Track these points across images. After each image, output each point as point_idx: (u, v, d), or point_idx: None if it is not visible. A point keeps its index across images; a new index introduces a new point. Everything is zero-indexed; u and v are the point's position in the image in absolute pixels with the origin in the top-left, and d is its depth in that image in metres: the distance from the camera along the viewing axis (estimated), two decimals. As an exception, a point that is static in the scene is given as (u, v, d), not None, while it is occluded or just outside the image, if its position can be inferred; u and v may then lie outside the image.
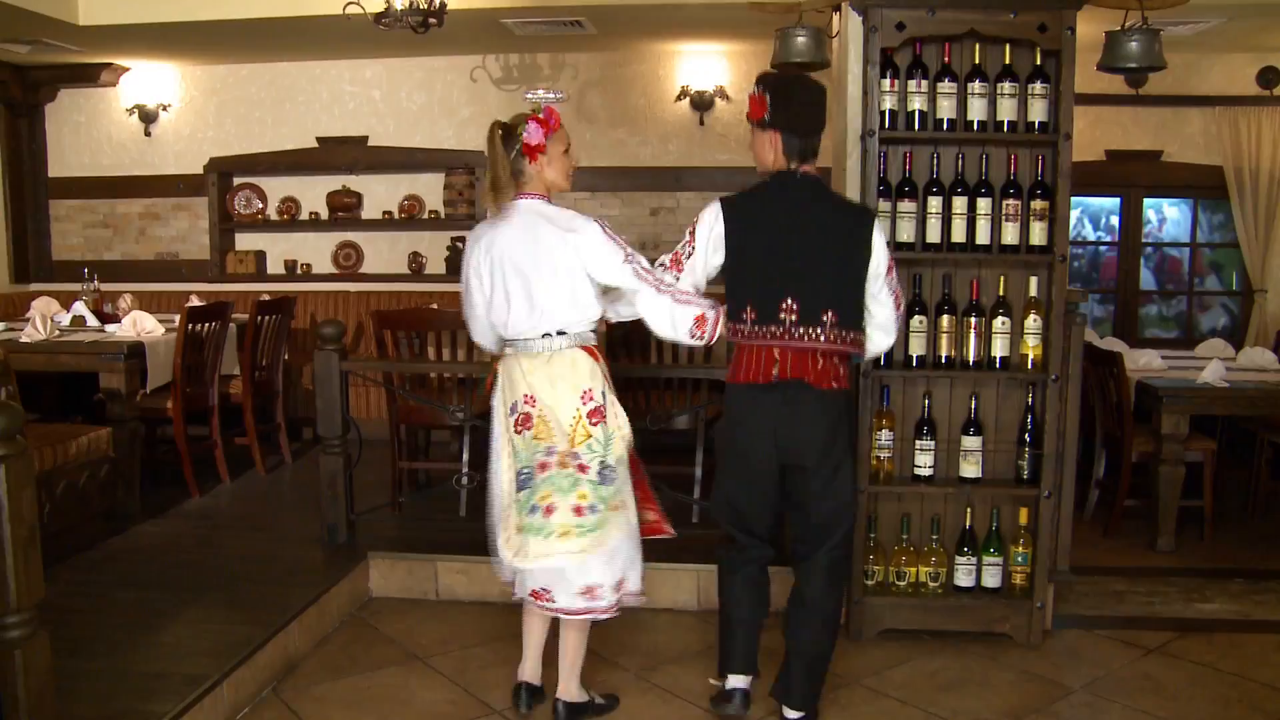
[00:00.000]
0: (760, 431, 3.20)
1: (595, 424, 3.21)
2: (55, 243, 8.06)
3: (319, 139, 7.66)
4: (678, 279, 3.24)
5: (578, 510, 3.18)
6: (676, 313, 3.21)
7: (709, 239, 3.23)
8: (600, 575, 3.21)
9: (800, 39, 4.31)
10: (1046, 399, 3.90)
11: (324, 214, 7.71)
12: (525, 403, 3.22)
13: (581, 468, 3.20)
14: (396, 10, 5.33)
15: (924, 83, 3.84)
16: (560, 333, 3.22)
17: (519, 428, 3.24)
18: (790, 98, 3.20)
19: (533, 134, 3.27)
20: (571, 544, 3.17)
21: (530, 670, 3.47)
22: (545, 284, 3.20)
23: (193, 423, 5.64)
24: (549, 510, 3.19)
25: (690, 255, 3.26)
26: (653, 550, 4.48)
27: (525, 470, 3.23)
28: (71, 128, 7.95)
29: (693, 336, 3.24)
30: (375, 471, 5.20)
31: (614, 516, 3.21)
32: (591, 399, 3.22)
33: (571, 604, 3.23)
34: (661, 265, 3.29)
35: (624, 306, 3.36)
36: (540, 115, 3.30)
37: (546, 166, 3.31)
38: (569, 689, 3.36)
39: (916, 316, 3.90)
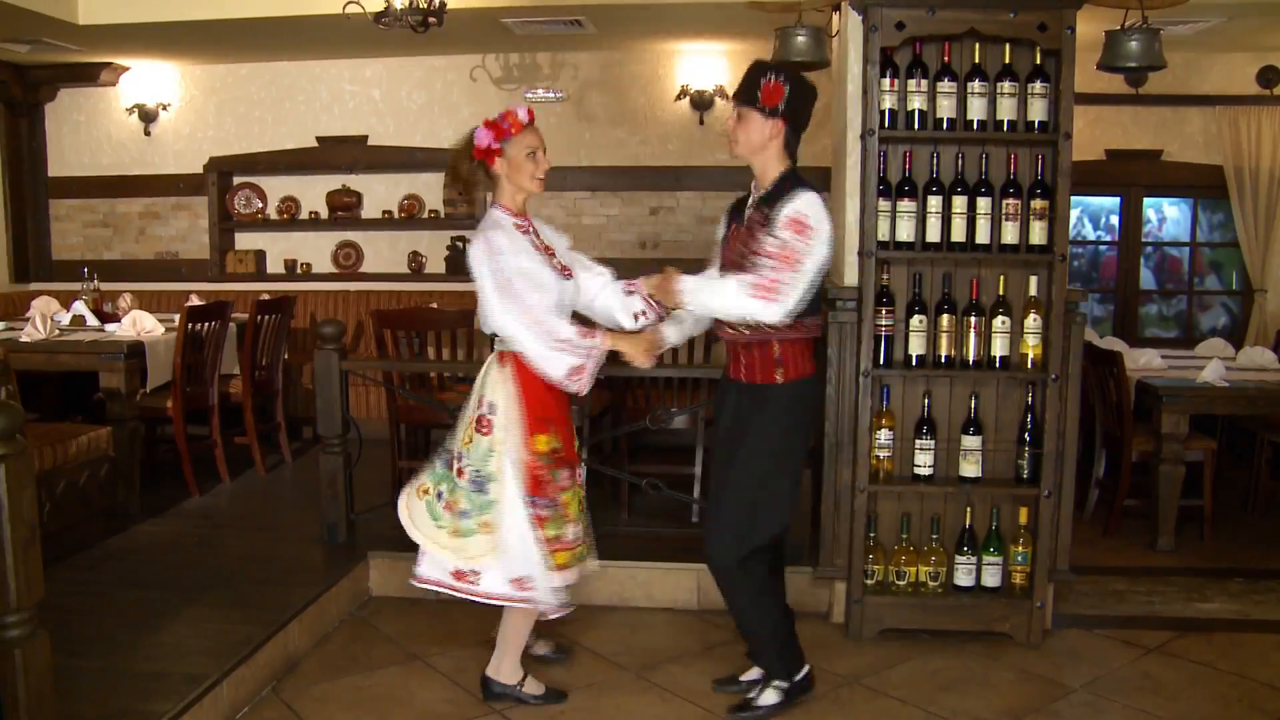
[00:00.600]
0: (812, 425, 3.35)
1: (479, 432, 3.33)
2: (55, 242, 8.07)
3: (319, 138, 7.67)
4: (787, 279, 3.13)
5: (448, 506, 3.36)
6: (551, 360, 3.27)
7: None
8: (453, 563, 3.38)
9: (800, 38, 4.31)
10: (1046, 398, 3.90)
11: (324, 213, 7.71)
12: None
13: (460, 471, 3.35)
14: (396, 9, 5.33)
15: (924, 82, 3.84)
16: (494, 336, 3.36)
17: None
18: (806, 97, 3.25)
19: (480, 137, 3.32)
20: (441, 538, 3.38)
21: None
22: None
23: (192, 422, 5.64)
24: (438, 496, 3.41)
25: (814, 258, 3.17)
26: (653, 550, 4.50)
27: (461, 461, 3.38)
28: (71, 127, 7.95)
29: (570, 380, 3.29)
30: (375, 471, 5.20)
31: (482, 533, 3.32)
32: (482, 407, 3.34)
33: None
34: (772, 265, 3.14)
35: (677, 326, 3.52)
36: (494, 118, 3.32)
37: (509, 172, 3.34)
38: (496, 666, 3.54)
39: (916, 316, 3.90)
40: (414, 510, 3.43)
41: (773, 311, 3.13)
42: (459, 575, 3.37)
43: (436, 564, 3.41)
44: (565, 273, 3.42)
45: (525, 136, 3.32)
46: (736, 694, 3.55)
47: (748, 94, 3.23)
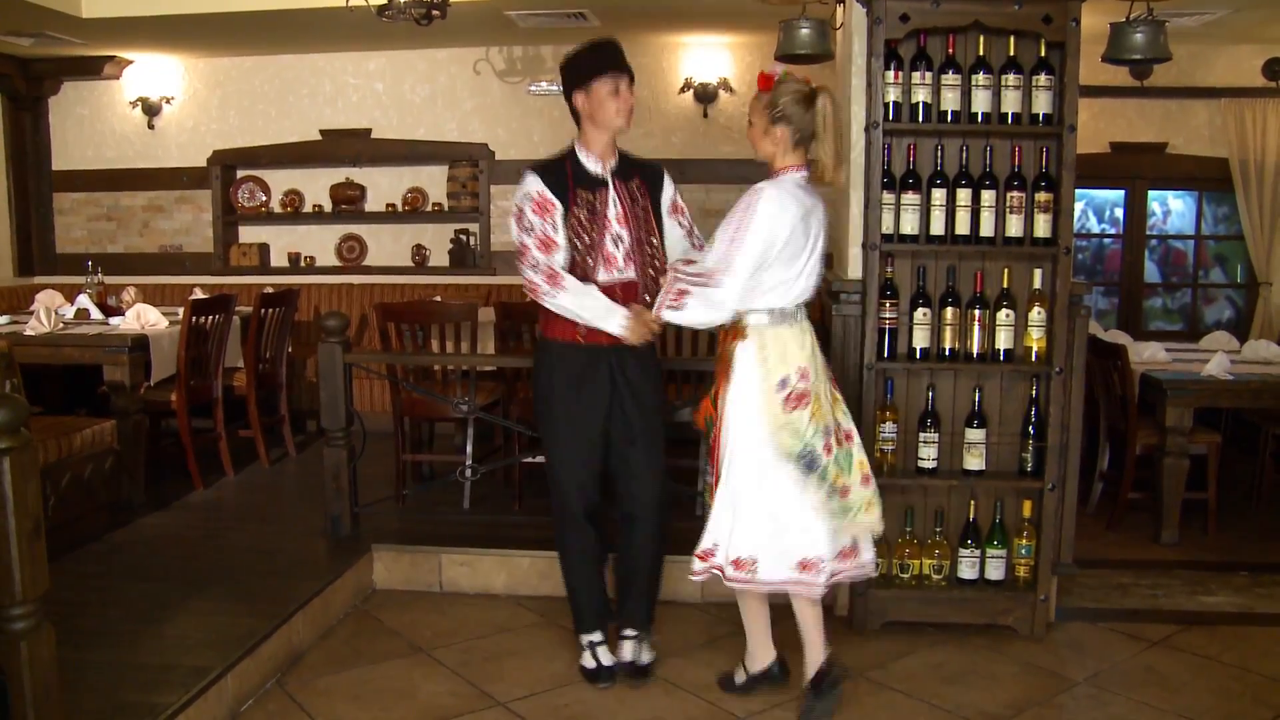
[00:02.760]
0: None
1: (799, 408, 3.20)
2: (59, 236, 8.07)
3: (322, 131, 7.66)
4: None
5: (865, 479, 3.32)
6: None
7: None
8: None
9: (804, 31, 4.29)
10: (1050, 392, 3.89)
11: (327, 206, 7.70)
12: (800, 378, 3.20)
13: (848, 435, 3.31)
14: (399, 2, 5.32)
15: (928, 74, 3.83)
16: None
17: (792, 404, 3.19)
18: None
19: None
20: (875, 513, 3.32)
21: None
22: (818, 255, 3.27)
23: (197, 415, 5.64)
24: (844, 492, 3.25)
25: None
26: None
27: (807, 452, 3.19)
28: (75, 120, 7.95)
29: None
30: (379, 464, 5.21)
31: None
32: (774, 379, 3.21)
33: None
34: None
35: None
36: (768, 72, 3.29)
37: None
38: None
39: (920, 309, 3.89)
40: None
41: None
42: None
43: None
44: None
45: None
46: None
47: (623, 65, 3.51)
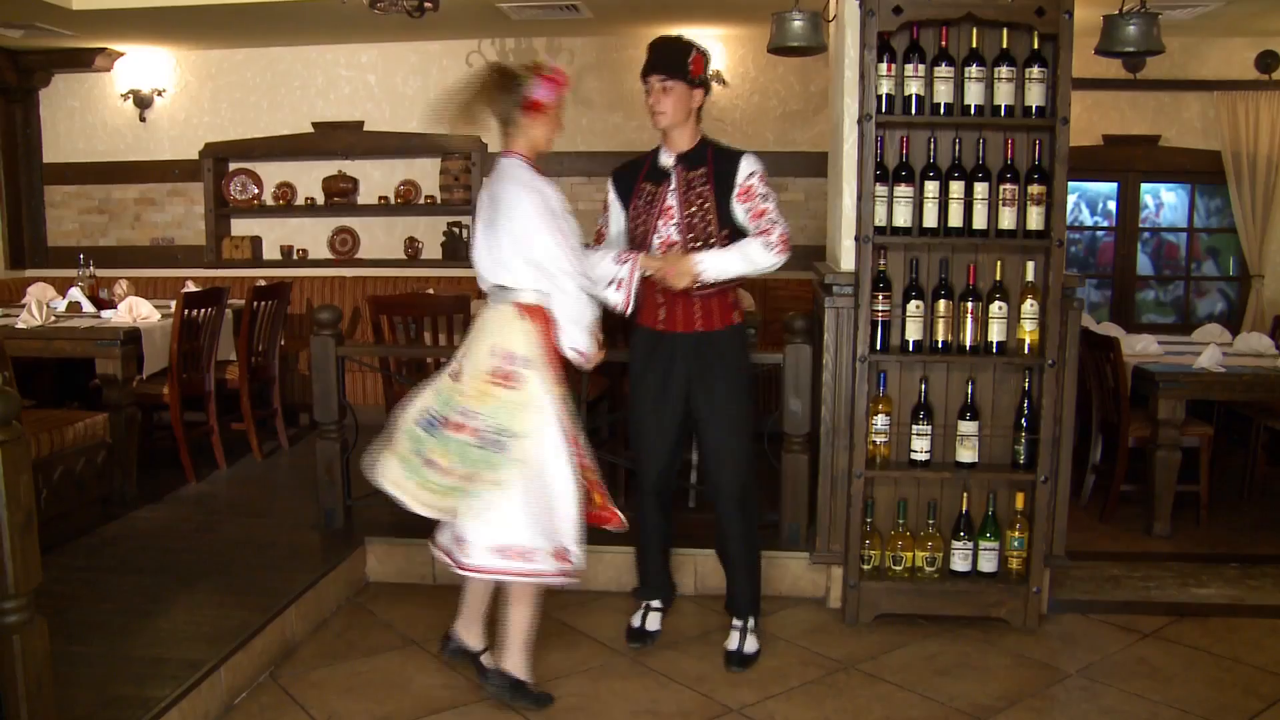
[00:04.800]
0: None
1: (501, 387, 3.16)
2: (50, 228, 8.04)
3: (314, 124, 7.63)
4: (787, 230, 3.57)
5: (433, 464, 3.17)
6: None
7: None
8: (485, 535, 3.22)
9: (797, 23, 4.30)
10: (1043, 384, 3.90)
11: (320, 199, 7.68)
12: (461, 353, 3.32)
13: (458, 426, 3.15)
14: (392, -6, 5.31)
15: (921, 67, 3.83)
16: (502, 288, 3.28)
17: (453, 376, 3.27)
18: (708, 64, 3.67)
19: (545, 93, 3.29)
20: (425, 495, 3.17)
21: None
22: (498, 238, 3.24)
23: (189, 408, 5.63)
24: (429, 463, 3.16)
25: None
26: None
27: (435, 415, 3.19)
28: (66, 113, 7.91)
29: (614, 292, 3.51)
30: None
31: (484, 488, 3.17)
32: (497, 359, 3.18)
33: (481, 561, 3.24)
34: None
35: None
36: (549, 73, 3.30)
37: (539, 125, 3.30)
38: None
39: (913, 301, 3.89)
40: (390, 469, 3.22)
41: (785, 259, 3.53)
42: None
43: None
44: None
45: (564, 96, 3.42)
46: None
47: (675, 66, 3.53)
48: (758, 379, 4.30)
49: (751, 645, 3.75)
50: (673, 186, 3.60)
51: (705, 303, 3.61)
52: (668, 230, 3.58)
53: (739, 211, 3.55)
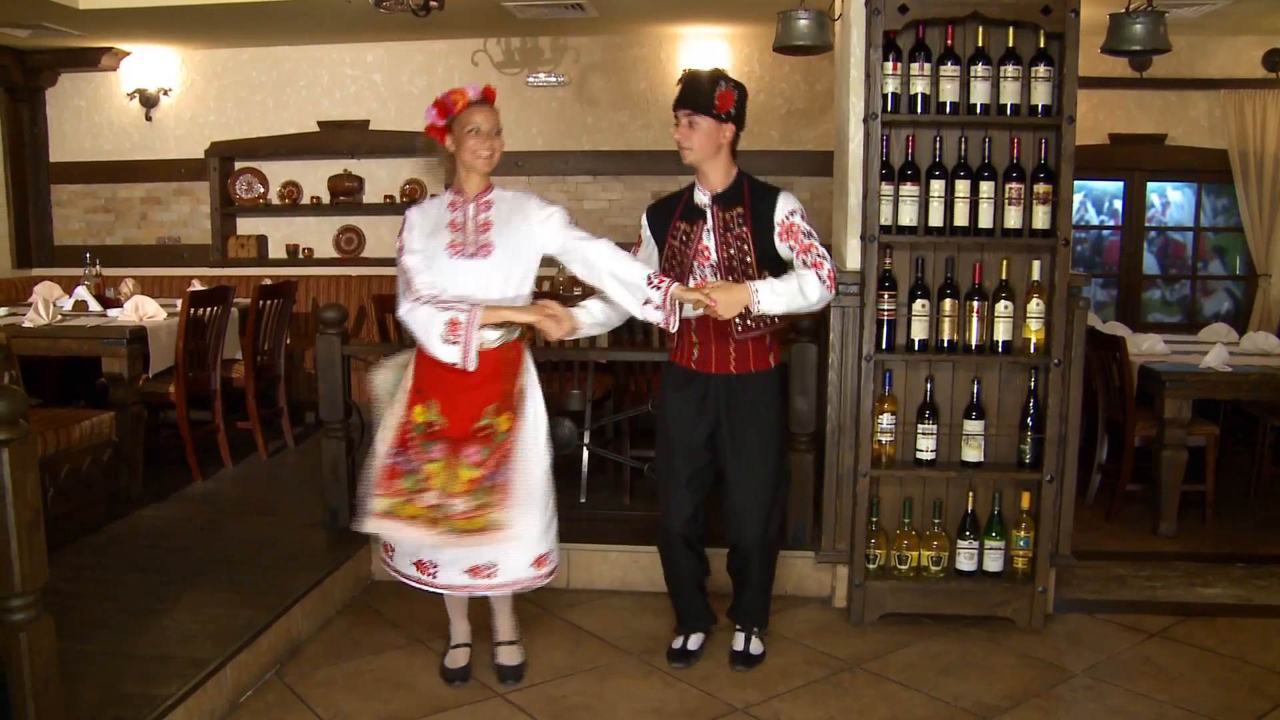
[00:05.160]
0: None
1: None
2: (57, 227, 8.07)
3: (320, 123, 7.65)
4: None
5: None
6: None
7: None
8: None
9: (802, 22, 4.28)
10: (1049, 383, 3.89)
11: (325, 198, 7.70)
12: None
13: None
14: (397, -7, 5.31)
15: (927, 65, 3.82)
16: None
17: None
18: (745, 100, 3.47)
19: (427, 114, 3.37)
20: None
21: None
22: None
23: (195, 407, 5.64)
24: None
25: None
26: (655, 534, 4.50)
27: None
28: (72, 112, 7.93)
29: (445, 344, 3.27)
30: (377, 456, 5.20)
31: None
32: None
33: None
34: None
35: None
36: (442, 95, 3.35)
37: (455, 149, 3.35)
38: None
39: (919, 300, 3.89)
40: None
41: (833, 295, 3.45)
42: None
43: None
44: (476, 252, 3.33)
45: (471, 114, 3.32)
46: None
47: (700, 101, 3.38)
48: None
49: (757, 646, 3.72)
50: (708, 226, 3.46)
51: (741, 345, 3.47)
52: (703, 272, 3.44)
53: (782, 250, 3.42)
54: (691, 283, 3.42)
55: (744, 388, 3.49)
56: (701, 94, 3.38)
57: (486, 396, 3.32)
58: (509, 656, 3.62)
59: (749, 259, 3.41)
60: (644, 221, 3.67)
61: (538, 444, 3.39)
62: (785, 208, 3.43)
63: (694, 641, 3.75)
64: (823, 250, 3.40)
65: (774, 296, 3.32)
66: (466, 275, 3.31)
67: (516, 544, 3.31)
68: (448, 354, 3.21)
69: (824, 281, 3.35)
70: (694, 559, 3.72)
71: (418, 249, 3.32)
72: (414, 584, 3.47)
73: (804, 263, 3.38)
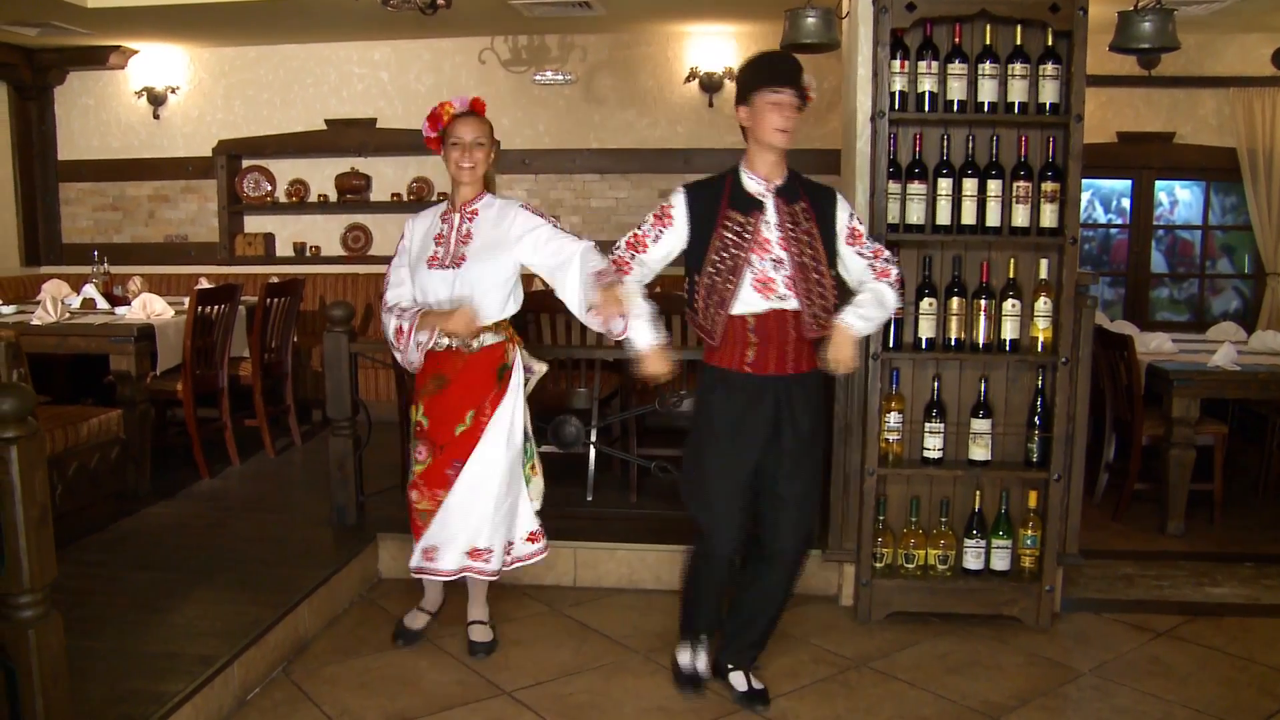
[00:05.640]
0: None
1: None
2: (65, 225, 8.09)
3: (327, 121, 7.66)
4: None
5: None
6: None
7: None
8: None
9: (810, 20, 4.28)
10: (1056, 382, 3.89)
11: (332, 196, 7.70)
12: None
13: None
14: (404, -8, 5.32)
15: (934, 64, 3.82)
16: None
17: None
18: None
19: (424, 129, 3.65)
20: None
21: None
22: None
23: (202, 405, 5.65)
24: None
25: None
26: (662, 532, 4.51)
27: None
28: (80, 110, 7.95)
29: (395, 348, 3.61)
30: (384, 453, 5.21)
31: None
32: None
33: None
34: None
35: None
36: (434, 108, 3.58)
37: (445, 161, 3.61)
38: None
39: (926, 299, 3.88)
40: None
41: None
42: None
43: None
44: (452, 263, 3.52)
45: (454, 127, 3.53)
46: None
47: (796, 84, 3.14)
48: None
49: (759, 681, 3.47)
50: (768, 218, 3.18)
51: (800, 342, 3.22)
52: (763, 265, 3.15)
53: (846, 253, 3.28)
54: (750, 277, 3.15)
55: (801, 387, 3.26)
56: (795, 76, 3.14)
57: (466, 403, 3.55)
58: (482, 634, 3.80)
59: (820, 260, 3.20)
60: (681, 203, 3.26)
61: (511, 440, 3.60)
62: (846, 209, 3.29)
63: (703, 661, 3.50)
64: (888, 253, 3.35)
65: (867, 324, 3.26)
66: (439, 285, 3.52)
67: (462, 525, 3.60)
68: (399, 357, 3.59)
69: (894, 288, 3.31)
70: (731, 572, 3.41)
71: (404, 264, 3.63)
72: (416, 573, 3.76)
73: (874, 269, 3.29)
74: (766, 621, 3.47)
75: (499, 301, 3.52)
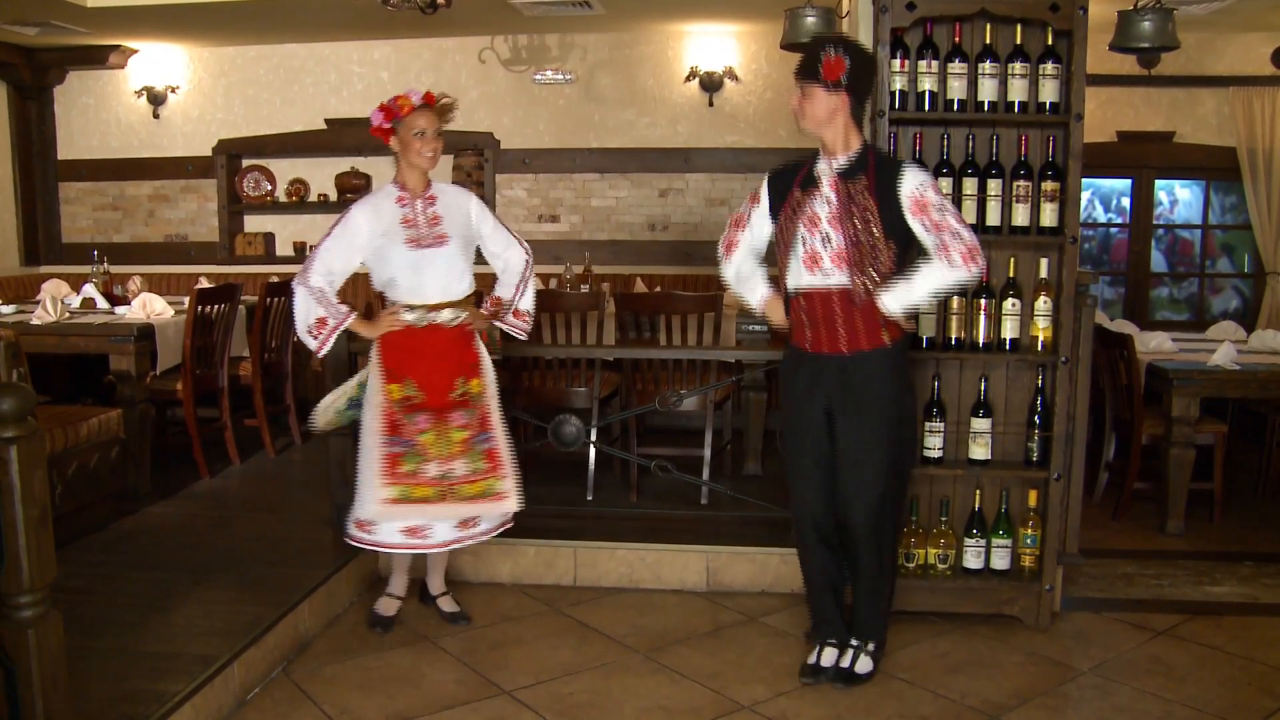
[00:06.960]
0: None
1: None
2: (65, 225, 8.09)
3: (327, 120, 7.66)
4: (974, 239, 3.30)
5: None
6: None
7: None
8: None
9: (810, 19, 4.29)
10: (1056, 381, 3.89)
11: (333, 195, 7.70)
12: None
13: None
14: (404, -9, 5.32)
15: (934, 63, 3.81)
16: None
17: None
18: (868, 68, 3.36)
19: (373, 117, 3.77)
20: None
21: None
22: None
23: (202, 405, 5.65)
24: None
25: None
26: (662, 532, 4.51)
27: None
28: (80, 110, 7.96)
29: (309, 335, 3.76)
30: (384, 453, 5.20)
31: None
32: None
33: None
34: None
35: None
36: (388, 100, 3.73)
37: (400, 149, 3.75)
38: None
39: (926, 298, 3.88)
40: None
41: (978, 270, 3.27)
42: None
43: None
44: (433, 242, 3.73)
45: (414, 118, 3.74)
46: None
47: (809, 70, 3.27)
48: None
49: (865, 664, 3.53)
50: (822, 194, 3.31)
51: (850, 323, 3.31)
52: (812, 241, 3.30)
53: (915, 226, 3.27)
54: (801, 251, 3.33)
55: (856, 367, 3.33)
56: (810, 62, 3.26)
57: (453, 369, 3.77)
58: (451, 604, 4.05)
59: (875, 231, 3.24)
60: (764, 187, 3.50)
61: (500, 405, 3.87)
62: (914, 180, 3.26)
63: (827, 657, 3.55)
64: (957, 225, 3.24)
65: (895, 301, 3.27)
66: (428, 264, 3.72)
67: (511, 502, 3.81)
68: (307, 341, 3.73)
69: (955, 266, 3.22)
70: (826, 557, 3.54)
71: (360, 244, 3.75)
72: (400, 550, 3.87)
73: (935, 245, 3.25)
74: (866, 602, 3.55)
75: (470, 276, 3.85)
